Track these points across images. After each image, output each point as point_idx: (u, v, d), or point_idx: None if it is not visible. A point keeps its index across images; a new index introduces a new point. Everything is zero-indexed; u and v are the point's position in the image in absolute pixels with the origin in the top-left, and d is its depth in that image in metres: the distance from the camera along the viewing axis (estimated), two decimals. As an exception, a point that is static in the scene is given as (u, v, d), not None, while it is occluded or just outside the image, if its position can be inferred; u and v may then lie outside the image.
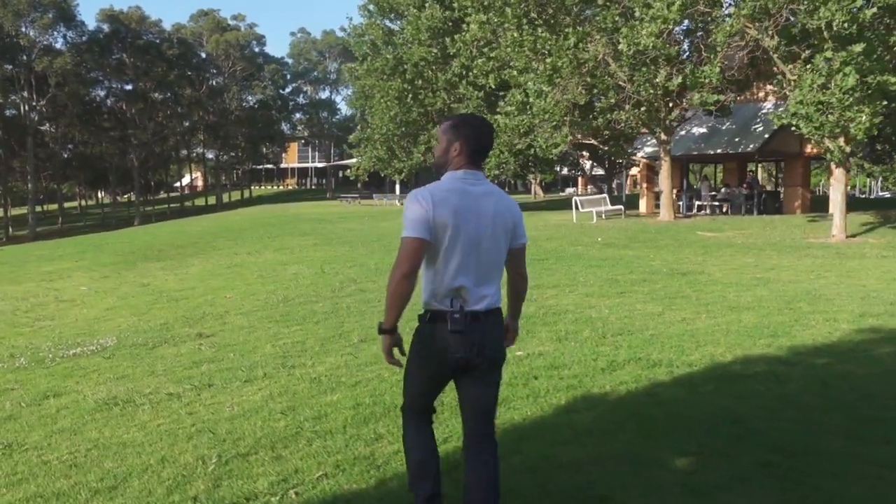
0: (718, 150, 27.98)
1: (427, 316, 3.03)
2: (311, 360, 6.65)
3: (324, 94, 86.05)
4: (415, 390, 3.19)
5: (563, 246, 16.69)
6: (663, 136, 23.18)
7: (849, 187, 28.28)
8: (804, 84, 15.21)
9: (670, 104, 22.40)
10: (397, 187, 52.15)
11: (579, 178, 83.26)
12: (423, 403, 3.21)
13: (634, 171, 48.34)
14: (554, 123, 21.86)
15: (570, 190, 76.04)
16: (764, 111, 28.57)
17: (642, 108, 22.00)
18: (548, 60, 20.41)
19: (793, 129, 16.89)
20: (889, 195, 62.59)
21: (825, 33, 14.80)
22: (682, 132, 29.67)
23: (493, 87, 27.44)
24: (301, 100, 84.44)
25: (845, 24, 14.27)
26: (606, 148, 26.82)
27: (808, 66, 15.91)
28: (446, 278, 2.96)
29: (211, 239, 25.66)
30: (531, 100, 21.34)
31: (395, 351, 3.10)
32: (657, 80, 19.76)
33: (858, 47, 14.20)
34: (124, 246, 26.44)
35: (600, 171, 62.07)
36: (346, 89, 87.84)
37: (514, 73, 24.64)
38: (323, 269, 13.69)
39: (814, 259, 13.69)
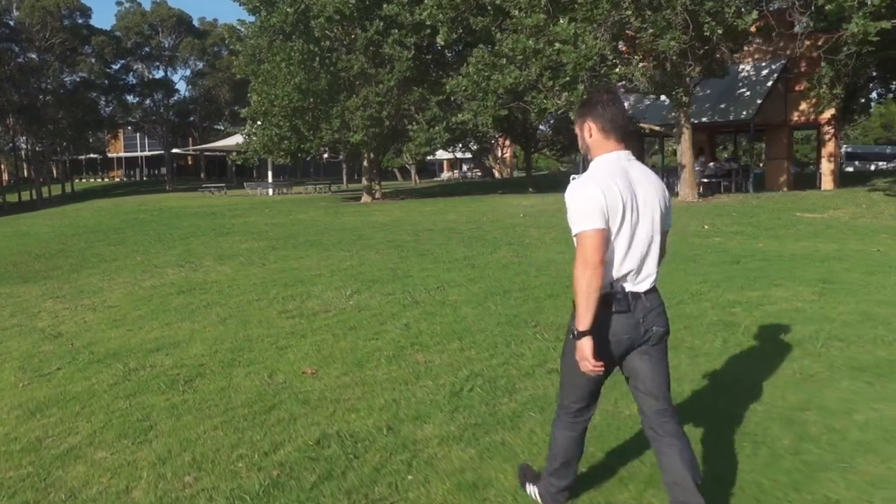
0: (704, 119, 24.12)
1: None
2: None
3: (158, 74, 75.85)
4: (578, 382, 2.94)
5: (677, 240, 11.72)
6: (684, 99, 18.77)
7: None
8: None
9: (701, 57, 17.95)
10: (269, 175, 44.84)
11: (445, 163, 78.84)
12: (587, 397, 3.01)
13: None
14: (566, 79, 16.78)
15: (445, 175, 71.41)
16: (743, 74, 25.12)
17: (667, 63, 17.48)
18: (586, -9, 15.26)
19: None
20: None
21: None
22: (648, 101, 25.59)
23: (443, 43, 22.17)
24: (131, 79, 73.53)
25: None
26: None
27: None
28: (614, 264, 2.81)
29: (82, 245, 18.40)
30: (558, 47, 16.01)
31: None
32: (726, 16, 15.16)
33: None
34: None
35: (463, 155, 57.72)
36: (183, 68, 78.16)
37: (485, 21, 19.53)
38: (414, 298, 7.81)
39: None
